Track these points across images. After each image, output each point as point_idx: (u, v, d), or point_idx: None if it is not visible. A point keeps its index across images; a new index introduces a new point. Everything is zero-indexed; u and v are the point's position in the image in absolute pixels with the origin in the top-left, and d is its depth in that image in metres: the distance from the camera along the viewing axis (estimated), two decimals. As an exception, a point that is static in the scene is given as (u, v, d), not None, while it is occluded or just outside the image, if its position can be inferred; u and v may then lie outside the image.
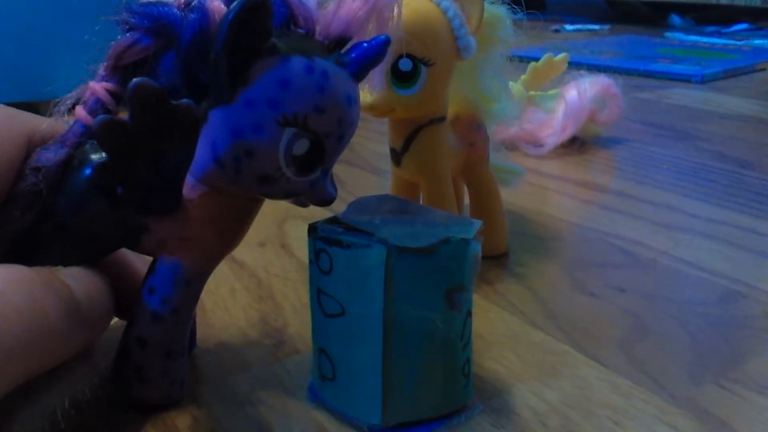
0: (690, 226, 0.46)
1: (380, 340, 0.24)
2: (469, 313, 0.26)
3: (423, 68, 0.32)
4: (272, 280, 0.38)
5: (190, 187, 0.25)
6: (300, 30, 0.24)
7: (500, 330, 0.33)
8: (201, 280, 0.26)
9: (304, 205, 0.26)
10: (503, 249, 0.41)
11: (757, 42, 1.30)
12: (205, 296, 0.36)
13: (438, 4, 0.33)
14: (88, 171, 0.24)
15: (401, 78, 0.32)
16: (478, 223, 0.25)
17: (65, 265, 0.25)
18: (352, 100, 0.24)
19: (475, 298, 0.34)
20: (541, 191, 0.53)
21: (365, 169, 0.59)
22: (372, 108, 0.33)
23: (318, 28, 0.24)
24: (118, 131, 0.22)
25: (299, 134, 0.23)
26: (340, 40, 0.24)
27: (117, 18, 0.24)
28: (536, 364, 0.30)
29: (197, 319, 0.32)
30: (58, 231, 0.25)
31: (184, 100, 0.22)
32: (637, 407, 0.27)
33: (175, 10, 0.23)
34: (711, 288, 0.37)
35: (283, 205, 0.48)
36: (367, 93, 0.33)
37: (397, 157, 0.36)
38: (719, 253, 0.41)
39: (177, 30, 0.23)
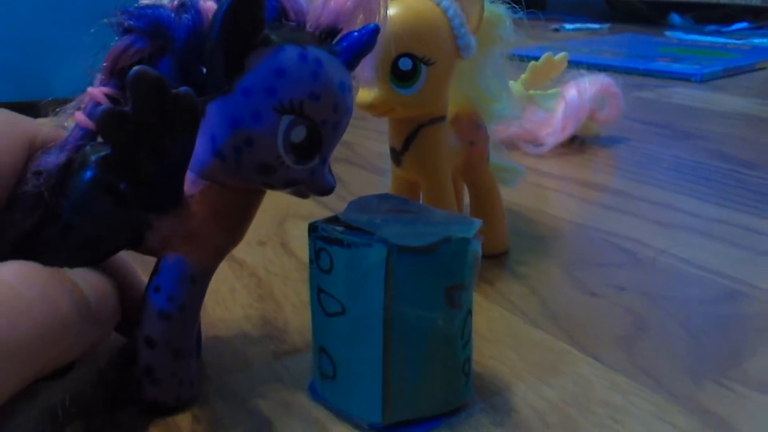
0: (690, 225, 0.46)
1: (380, 339, 0.24)
2: (469, 312, 0.26)
3: (423, 67, 0.32)
4: (272, 279, 0.38)
5: (191, 183, 0.25)
6: (291, 23, 0.24)
7: (501, 329, 0.33)
8: (206, 277, 0.26)
9: (305, 196, 0.26)
10: (504, 248, 0.41)
11: (757, 41, 1.30)
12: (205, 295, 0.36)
13: (438, 4, 0.33)
14: (89, 171, 0.24)
15: (401, 77, 0.32)
16: (478, 222, 0.25)
17: (70, 267, 0.25)
18: (346, 87, 0.24)
19: (476, 297, 0.34)
20: (541, 190, 0.53)
21: (365, 169, 0.59)
22: (372, 107, 0.33)
23: (308, 21, 0.24)
24: (120, 120, 0.22)
25: (296, 121, 0.23)
26: (331, 31, 0.25)
27: (112, 21, 0.24)
28: (536, 362, 0.30)
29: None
30: (62, 233, 0.25)
31: (183, 88, 0.22)
32: (637, 405, 0.27)
33: (169, 11, 0.23)
34: (711, 287, 0.37)
35: (283, 205, 0.48)
36: (367, 92, 0.33)
37: (397, 156, 0.36)
38: (719, 252, 0.41)
39: (172, 31, 0.23)
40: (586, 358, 0.30)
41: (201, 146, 0.24)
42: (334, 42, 0.25)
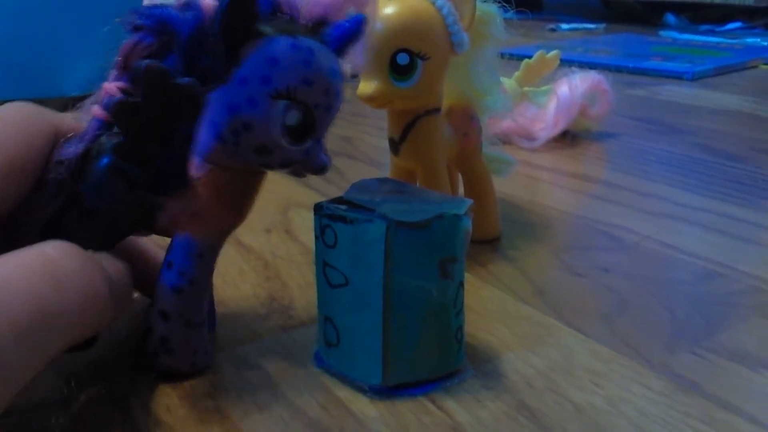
0: (674, 214, 0.48)
1: (381, 308, 0.27)
2: (461, 284, 0.28)
3: (419, 62, 0.35)
4: (278, 262, 0.40)
5: (196, 167, 0.27)
6: (285, 15, 0.27)
7: (492, 306, 0.35)
8: (213, 253, 0.29)
9: (302, 175, 0.28)
10: (496, 234, 0.43)
11: (750, 40, 1.33)
12: (215, 277, 0.38)
13: (433, 3, 0.35)
14: (105, 158, 0.27)
15: (399, 71, 0.35)
16: (469, 201, 0.28)
17: (92, 248, 0.27)
18: (336, 73, 0.27)
19: (469, 277, 0.37)
20: (533, 182, 0.55)
21: (364, 162, 0.61)
22: (372, 99, 0.35)
23: (301, 13, 0.27)
24: (132, 109, 0.25)
25: (290, 106, 0.26)
26: (321, 22, 0.27)
27: (123, 20, 0.26)
28: (524, 335, 0.32)
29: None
30: (83, 217, 0.27)
31: (186, 78, 0.25)
32: (616, 371, 0.29)
33: (175, 10, 0.26)
34: (691, 268, 0.40)
35: (287, 194, 0.51)
36: (368, 85, 0.35)
37: (395, 146, 0.39)
38: (701, 238, 0.44)
39: (177, 27, 0.26)
40: (571, 331, 0.33)
41: (204, 132, 0.26)
42: (324, 32, 0.27)
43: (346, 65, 0.28)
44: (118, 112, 0.25)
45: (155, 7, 0.27)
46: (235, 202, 0.29)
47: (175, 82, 0.25)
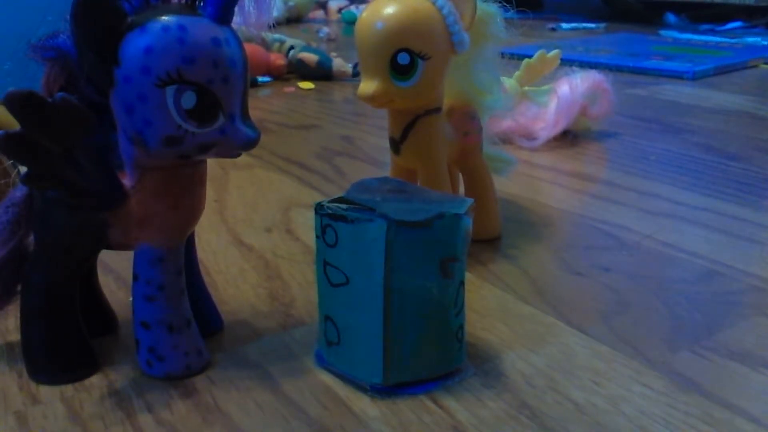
0: (674, 213, 0.48)
1: (381, 307, 0.27)
2: (461, 283, 0.28)
3: (420, 62, 0.35)
4: (279, 261, 0.40)
5: (128, 176, 0.27)
6: (157, 2, 0.26)
7: (492, 305, 0.35)
8: (174, 255, 0.28)
9: (234, 155, 0.27)
10: (496, 233, 0.43)
11: (750, 40, 1.33)
12: (215, 275, 0.38)
13: (433, 2, 0.35)
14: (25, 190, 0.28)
15: (400, 71, 0.35)
16: (470, 201, 0.28)
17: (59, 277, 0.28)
18: (220, 42, 0.25)
19: (469, 276, 0.37)
20: (534, 181, 0.55)
21: (365, 161, 0.61)
22: (373, 99, 0.35)
23: None
24: (16, 140, 0.24)
25: (181, 89, 0.25)
26: None
27: (32, 56, 0.26)
28: (525, 334, 0.32)
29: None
30: (40, 251, 0.28)
31: (59, 94, 0.24)
32: (616, 370, 0.30)
33: (66, 35, 0.26)
34: (691, 268, 0.40)
35: (288, 194, 0.51)
36: (369, 85, 0.35)
37: (396, 145, 0.39)
38: (701, 237, 0.44)
39: (70, 50, 0.26)
40: (572, 330, 0.33)
41: (122, 140, 0.26)
42: (199, 5, 0.26)
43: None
44: (7, 147, 0.24)
45: (53, 36, 0.27)
46: (179, 200, 0.28)
47: (46, 101, 0.24)
